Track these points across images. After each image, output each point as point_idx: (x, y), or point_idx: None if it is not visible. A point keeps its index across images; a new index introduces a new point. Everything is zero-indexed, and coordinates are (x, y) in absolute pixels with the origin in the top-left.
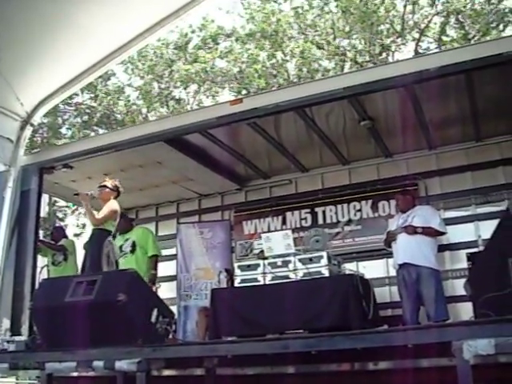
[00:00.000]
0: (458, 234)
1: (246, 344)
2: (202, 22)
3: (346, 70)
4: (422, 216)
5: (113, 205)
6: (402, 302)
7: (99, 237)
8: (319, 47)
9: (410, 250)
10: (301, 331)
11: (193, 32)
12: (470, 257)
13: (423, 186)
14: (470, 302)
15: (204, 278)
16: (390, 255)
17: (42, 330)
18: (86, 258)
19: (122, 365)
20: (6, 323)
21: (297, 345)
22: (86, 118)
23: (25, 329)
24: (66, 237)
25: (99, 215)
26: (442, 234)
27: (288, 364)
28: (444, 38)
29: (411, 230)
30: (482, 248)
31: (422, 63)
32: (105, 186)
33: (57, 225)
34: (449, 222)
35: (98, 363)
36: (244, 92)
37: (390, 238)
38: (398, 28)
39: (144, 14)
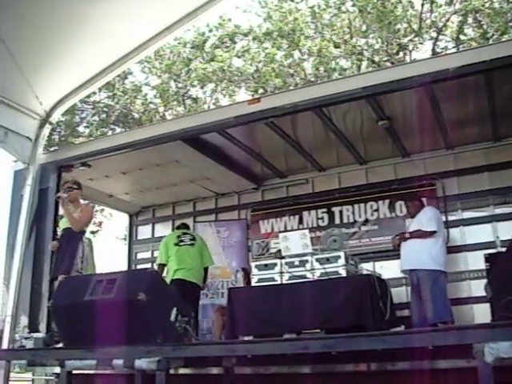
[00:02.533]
0: (476, 234)
1: (266, 344)
2: (219, 21)
3: (362, 70)
4: (416, 220)
5: (91, 211)
6: (411, 306)
7: (76, 237)
8: (336, 46)
9: (406, 256)
10: (318, 331)
11: (210, 31)
12: (487, 258)
13: (441, 187)
14: (489, 304)
15: (220, 276)
16: None
17: (61, 328)
18: (62, 256)
19: (141, 363)
20: (24, 320)
21: (316, 345)
22: (103, 116)
23: (42, 326)
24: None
25: (80, 220)
26: (432, 232)
27: (305, 364)
28: (462, 37)
29: (402, 237)
30: (500, 249)
31: (440, 63)
32: (71, 188)
33: None
34: (466, 222)
35: (118, 361)
36: (261, 91)
37: (394, 249)
38: (416, 27)
39: (162, 14)
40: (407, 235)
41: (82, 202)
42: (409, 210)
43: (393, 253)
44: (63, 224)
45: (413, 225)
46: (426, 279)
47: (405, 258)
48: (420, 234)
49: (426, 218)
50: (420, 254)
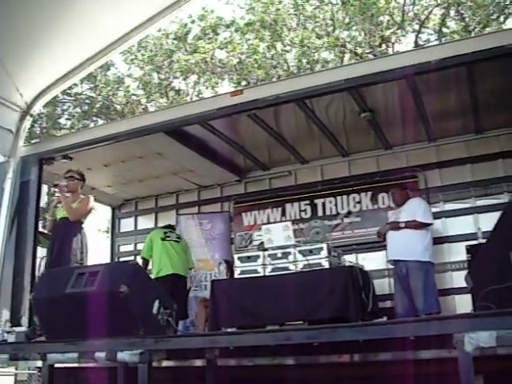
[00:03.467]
0: (458, 226)
1: (248, 335)
2: (202, 12)
3: (345, 62)
4: (408, 210)
5: (91, 203)
6: (395, 296)
7: (75, 227)
8: (319, 37)
9: (396, 246)
10: (301, 322)
11: (192, 22)
12: (469, 249)
13: (423, 179)
14: (470, 295)
15: (203, 269)
16: None
17: (43, 322)
18: (61, 247)
19: (123, 356)
20: (6, 314)
21: (299, 336)
22: (85, 108)
23: (25, 320)
24: None
25: (77, 210)
26: (428, 225)
27: (288, 355)
28: (444, 30)
29: (394, 226)
30: (481, 240)
31: (422, 55)
32: (72, 177)
33: None
34: (448, 214)
35: (100, 354)
36: (244, 83)
37: (379, 238)
38: (398, 19)
39: (145, 4)
40: (402, 225)
41: (81, 195)
42: (395, 199)
43: (376, 245)
44: (60, 213)
45: (403, 215)
46: (418, 271)
47: (395, 247)
48: (416, 225)
49: (421, 210)
50: (412, 245)
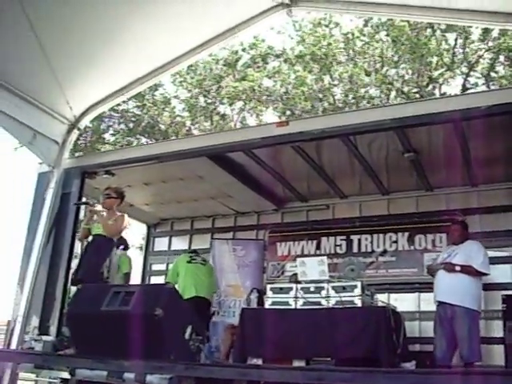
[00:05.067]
0: (495, 274)
1: (279, 371)
2: (253, 40)
3: (391, 99)
4: (465, 253)
5: (126, 221)
6: (435, 339)
7: (107, 243)
8: (367, 74)
9: (446, 288)
10: (328, 359)
11: (243, 50)
12: (505, 299)
13: None
14: (503, 346)
15: (233, 295)
16: (422, 289)
17: (75, 336)
18: (89, 262)
19: (152, 379)
20: (35, 322)
21: (332, 377)
22: (130, 125)
23: (53, 329)
24: (125, 248)
25: (113, 227)
26: (483, 274)
27: None
28: (493, 75)
29: (449, 268)
30: None
31: (471, 100)
32: (109, 195)
33: None
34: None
35: (129, 375)
36: (288, 113)
37: (430, 273)
38: (447, 61)
39: (199, 30)
40: (457, 268)
41: (117, 212)
42: (454, 235)
43: (409, 286)
44: (95, 229)
45: (458, 257)
46: (465, 317)
47: (445, 289)
48: (471, 272)
49: (481, 258)
50: (464, 291)
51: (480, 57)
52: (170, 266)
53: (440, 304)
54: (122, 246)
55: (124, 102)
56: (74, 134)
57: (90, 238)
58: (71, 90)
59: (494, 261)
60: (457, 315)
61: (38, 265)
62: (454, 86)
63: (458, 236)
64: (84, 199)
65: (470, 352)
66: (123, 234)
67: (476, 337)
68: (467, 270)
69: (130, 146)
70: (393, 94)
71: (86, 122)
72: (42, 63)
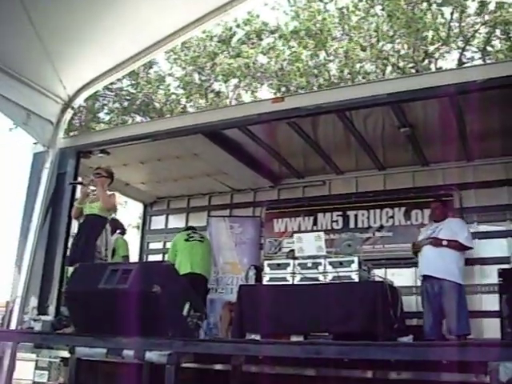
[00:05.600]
0: (490, 248)
1: (277, 346)
2: (247, 16)
3: (387, 75)
4: (449, 228)
5: (115, 199)
6: (424, 313)
7: (100, 222)
8: (362, 49)
9: (433, 262)
10: (325, 334)
11: (237, 26)
12: (501, 273)
13: (458, 198)
14: (500, 319)
15: (231, 272)
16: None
17: (74, 314)
18: (86, 242)
19: (151, 356)
20: (34, 302)
21: (330, 351)
22: (125, 104)
23: (52, 309)
24: (122, 232)
25: (110, 199)
26: (468, 248)
27: (311, 366)
28: (489, 49)
29: (436, 243)
30: None
31: (467, 74)
32: (99, 174)
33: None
34: (482, 235)
35: (128, 352)
36: (283, 89)
37: (416, 249)
38: (443, 35)
39: (192, 6)
40: (444, 242)
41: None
42: (435, 214)
43: (405, 261)
44: (88, 209)
45: (443, 232)
46: (453, 291)
47: (431, 263)
48: (456, 246)
49: (465, 233)
50: (451, 265)
51: (476, 31)
52: (168, 244)
53: (426, 278)
54: (118, 230)
55: (118, 80)
56: (69, 113)
57: (82, 219)
58: (64, 69)
59: (489, 235)
60: (444, 289)
61: (35, 245)
62: (449, 61)
63: (440, 213)
64: (79, 179)
65: (460, 325)
66: (118, 217)
67: (464, 310)
68: (453, 244)
69: (125, 124)
70: (388, 69)
71: (80, 101)
72: (34, 43)
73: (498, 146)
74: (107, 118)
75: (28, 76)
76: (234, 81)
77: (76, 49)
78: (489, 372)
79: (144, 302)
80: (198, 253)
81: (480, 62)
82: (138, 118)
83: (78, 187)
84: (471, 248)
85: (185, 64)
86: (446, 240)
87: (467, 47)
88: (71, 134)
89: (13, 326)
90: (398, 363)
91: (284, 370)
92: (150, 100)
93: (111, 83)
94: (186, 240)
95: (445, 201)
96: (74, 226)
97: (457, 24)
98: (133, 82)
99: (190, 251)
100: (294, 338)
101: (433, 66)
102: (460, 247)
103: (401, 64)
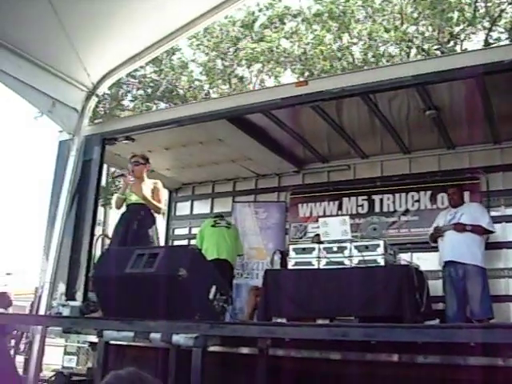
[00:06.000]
0: None
1: (304, 328)
2: (270, 0)
3: (411, 57)
4: (470, 213)
5: (164, 193)
6: (446, 298)
7: (149, 212)
8: (386, 31)
9: (458, 247)
10: (352, 318)
11: (260, 11)
12: None
13: (485, 181)
14: None
15: (256, 257)
16: None
17: (101, 299)
18: (137, 232)
19: (178, 339)
20: (62, 288)
21: (356, 333)
22: (149, 91)
23: (79, 295)
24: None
25: (158, 202)
26: (491, 232)
27: (336, 350)
28: None
29: (460, 228)
30: None
31: (494, 54)
32: (137, 162)
33: None
34: (509, 219)
35: (155, 335)
36: (307, 74)
37: (437, 234)
38: (469, 16)
39: None
40: (468, 228)
41: (147, 179)
42: (454, 199)
43: (431, 245)
44: (132, 197)
45: (465, 217)
46: (476, 275)
47: (456, 249)
48: (480, 231)
49: (487, 217)
50: (475, 249)
51: (503, 10)
52: (193, 230)
53: (450, 264)
54: None
55: (141, 67)
56: (93, 100)
57: (125, 208)
58: (88, 57)
59: None
60: (469, 274)
61: (63, 232)
62: (475, 42)
63: (457, 198)
64: (121, 172)
65: (484, 309)
66: None
67: (488, 294)
68: (477, 229)
69: (149, 110)
70: (413, 51)
71: (104, 88)
72: (58, 30)
73: None
74: (131, 105)
75: (52, 64)
76: (258, 66)
77: (99, 36)
78: None
79: (170, 286)
80: (224, 239)
81: (507, 42)
82: (162, 105)
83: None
84: (494, 232)
85: (208, 50)
86: (470, 225)
87: (494, 28)
88: (96, 121)
89: (42, 312)
90: (425, 347)
91: (310, 353)
92: (174, 86)
93: (135, 70)
94: (213, 226)
95: (462, 185)
96: (100, 213)
97: (483, 4)
98: (156, 68)
99: (216, 237)
100: (319, 322)
101: (458, 48)
102: (483, 232)
103: (425, 46)
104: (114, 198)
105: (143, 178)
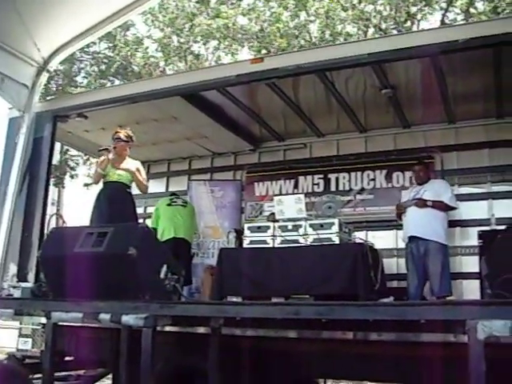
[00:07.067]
0: (471, 210)
1: (256, 307)
2: None
3: (369, 36)
4: (433, 190)
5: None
6: (408, 274)
7: (131, 195)
8: (344, 10)
9: (419, 223)
10: (306, 296)
11: None
12: (481, 235)
13: (439, 160)
14: (478, 280)
15: (212, 236)
16: (399, 227)
17: (49, 279)
18: (122, 212)
19: (128, 319)
20: (13, 269)
21: (308, 311)
22: (102, 67)
23: (31, 276)
24: None
25: (146, 188)
26: (453, 208)
27: (292, 328)
28: (472, 11)
29: (421, 204)
30: (494, 227)
31: (449, 34)
32: (119, 138)
33: None
34: (462, 198)
35: (105, 316)
36: (264, 51)
37: (399, 211)
38: None
39: None
40: (429, 203)
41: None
42: (419, 176)
43: (387, 223)
44: (116, 177)
45: (427, 194)
46: (438, 252)
47: (418, 225)
48: (441, 206)
49: (449, 193)
50: (436, 226)
51: None
52: (148, 209)
53: (412, 240)
54: None
55: (94, 43)
56: (44, 76)
57: (102, 185)
58: (38, 32)
59: (470, 197)
60: (430, 251)
61: (13, 212)
62: (432, 22)
63: (423, 175)
64: (107, 146)
65: (442, 286)
66: None
67: (448, 271)
68: (438, 205)
69: (102, 87)
70: (370, 30)
71: (55, 63)
72: (6, 5)
73: (479, 107)
74: (85, 82)
75: (0, 39)
76: (214, 43)
77: (49, 10)
78: (467, 331)
79: (120, 265)
80: (180, 217)
81: (463, 22)
82: (117, 82)
83: (55, 154)
84: (455, 208)
85: (163, 25)
86: (431, 201)
87: (450, 8)
88: (48, 98)
89: None
90: (379, 324)
91: (265, 332)
92: (128, 63)
93: (87, 46)
94: (169, 205)
95: (427, 163)
96: (52, 193)
97: None
98: (110, 44)
99: (172, 216)
100: (274, 301)
101: (415, 28)
102: (445, 208)
103: (383, 25)
104: (94, 172)
105: (125, 156)
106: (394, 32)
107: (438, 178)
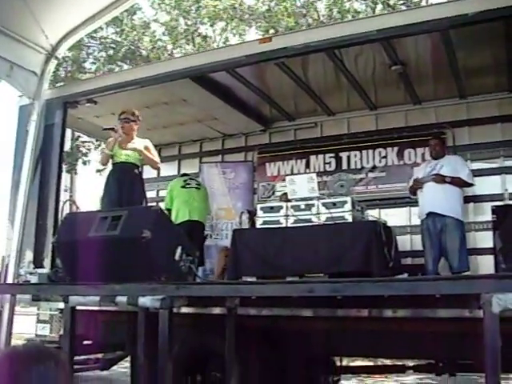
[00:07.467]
0: (484, 186)
1: (270, 286)
2: None
3: (377, 13)
4: (450, 165)
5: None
6: (425, 251)
7: (141, 176)
8: None
9: (437, 199)
10: (321, 275)
11: None
12: (495, 210)
13: (451, 136)
14: (493, 256)
15: (225, 218)
16: (413, 203)
17: (65, 264)
18: (132, 193)
19: (145, 301)
20: (29, 255)
21: (322, 289)
22: (110, 52)
23: (47, 262)
24: None
25: (153, 158)
26: (470, 185)
27: (307, 307)
28: None
29: (439, 179)
30: (508, 202)
31: (459, 7)
32: (127, 119)
33: None
34: (475, 173)
35: (121, 299)
36: (272, 31)
37: (417, 186)
38: None
39: None
40: (448, 179)
41: (137, 138)
42: (436, 151)
43: (399, 201)
44: (123, 157)
45: (445, 169)
46: (455, 228)
47: (436, 200)
48: (459, 183)
49: (467, 170)
50: (454, 202)
51: None
52: (161, 192)
53: (429, 216)
54: None
55: (102, 28)
56: (52, 63)
57: (111, 167)
58: (45, 18)
59: (483, 172)
60: (447, 226)
61: (27, 198)
62: None
63: (440, 150)
64: (112, 126)
65: (461, 262)
66: None
67: (465, 247)
68: (456, 181)
69: (111, 72)
70: (379, 7)
71: (63, 50)
72: None
73: (491, 82)
74: (93, 67)
75: (8, 26)
76: (221, 24)
77: None
78: (481, 305)
79: (135, 248)
80: (195, 199)
81: None
82: (125, 67)
83: (67, 140)
84: (473, 185)
85: (169, 8)
86: (450, 177)
87: None
88: (57, 85)
89: (9, 281)
90: (393, 301)
91: (281, 311)
92: (136, 47)
93: (95, 31)
94: (183, 187)
95: (442, 137)
96: (65, 179)
97: None
98: (117, 29)
99: (186, 198)
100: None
101: (424, 2)
102: (462, 184)
103: (391, 1)
104: (101, 153)
105: (133, 135)
106: (403, 7)
107: (450, 154)
